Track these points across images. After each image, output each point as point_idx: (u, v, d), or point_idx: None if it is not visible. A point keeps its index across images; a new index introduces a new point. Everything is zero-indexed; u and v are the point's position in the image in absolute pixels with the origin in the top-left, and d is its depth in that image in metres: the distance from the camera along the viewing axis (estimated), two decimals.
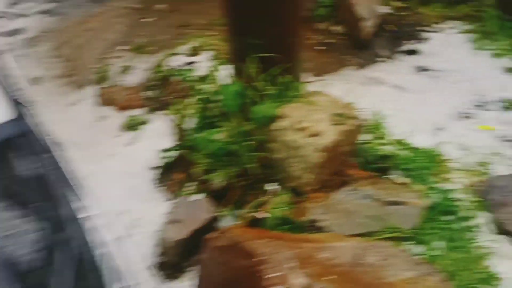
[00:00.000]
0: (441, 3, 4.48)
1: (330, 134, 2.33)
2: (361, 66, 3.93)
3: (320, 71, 3.78)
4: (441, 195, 2.47)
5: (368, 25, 4.08)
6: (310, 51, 4.00)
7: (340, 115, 2.44)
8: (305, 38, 4.09)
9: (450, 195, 2.49)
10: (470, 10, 4.31)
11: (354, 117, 2.48)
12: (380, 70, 3.90)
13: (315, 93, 2.67)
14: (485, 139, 3.17)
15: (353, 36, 4.11)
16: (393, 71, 3.88)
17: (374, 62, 3.99)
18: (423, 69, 3.90)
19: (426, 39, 4.22)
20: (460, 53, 4.01)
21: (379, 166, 2.56)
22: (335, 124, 2.39)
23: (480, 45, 4.02)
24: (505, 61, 3.86)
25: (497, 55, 3.91)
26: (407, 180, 2.49)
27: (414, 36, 4.25)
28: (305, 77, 3.65)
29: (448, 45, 4.12)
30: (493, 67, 3.84)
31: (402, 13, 4.44)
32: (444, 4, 4.47)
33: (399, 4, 4.54)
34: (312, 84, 3.50)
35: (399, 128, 3.09)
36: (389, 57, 4.05)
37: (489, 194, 2.45)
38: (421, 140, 3.02)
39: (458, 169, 2.82)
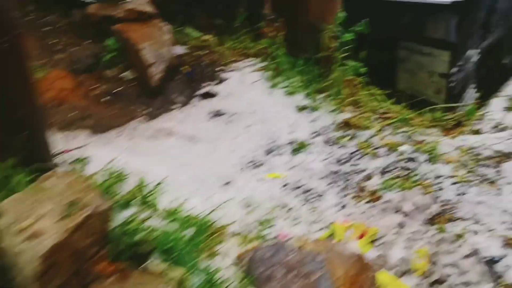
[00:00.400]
0: (239, 40, 4.40)
1: (52, 234, 1.91)
2: (152, 116, 3.61)
3: (102, 128, 3.37)
4: (205, 276, 2.20)
5: (159, 70, 3.79)
6: (93, 103, 3.58)
7: (73, 204, 2.05)
8: (90, 89, 3.67)
9: (216, 274, 2.24)
10: (265, 47, 4.26)
11: (93, 203, 2.10)
12: (172, 119, 3.62)
13: (51, 176, 2.24)
14: (272, 190, 3.03)
15: (143, 83, 3.78)
16: (186, 119, 3.63)
17: (167, 110, 3.71)
18: (218, 114, 3.71)
19: (223, 79, 4.06)
20: (255, 93, 3.91)
21: (135, 253, 2.22)
22: (64, 218, 1.99)
23: (275, 83, 3.96)
24: (297, 99, 3.84)
25: (290, 93, 3.88)
26: (164, 266, 2.18)
27: (212, 76, 4.07)
28: (80, 137, 3.22)
29: (245, 84, 4.00)
30: (286, 106, 3.79)
31: (200, 53, 4.24)
32: (241, 40, 4.39)
33: (197, 42, 4.35)
34: (86, 145, 3.09)
35: (179, 191, 2.81)
36: (184, 103, 3.80)
37: (255, 267, 2.24)
38: (202, 203, 2.77)
39: (236, 234, 2.60)
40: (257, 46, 4.29)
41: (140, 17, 4.06)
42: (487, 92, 9.91)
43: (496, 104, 5.57)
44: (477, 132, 4.31)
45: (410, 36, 8.60)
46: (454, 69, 9.01)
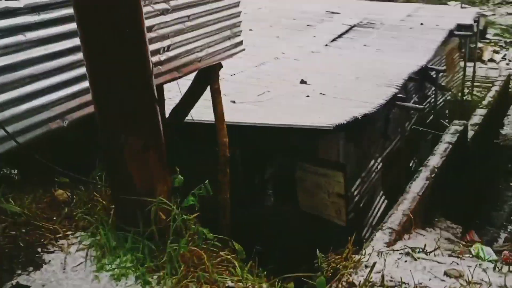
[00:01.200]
0: (69, 209, 3.82)
1: None
2: None
3: None
4: None
5: None
6: None
7: None
8: None
9: None
10: (95, 220, 3.69)
11: None
12: None
13: None
14: None
15: None
16: None
17: None
18: None
19: (41, 264, 3.38)
20: (75, 282, 3.25)
21: None
22: None
23: (101, 265, 3.34)
24: (125, 285, 3.22)
25: (118, 277, 3.26)
26: None
27: (28, 262, 3.38)
28: None
29: (66, 269, 3.34)
30: None
31: (18, 231, 3.59)
32: (72, 210, 3.82)
33: (18, 217, 3.71)
34: None
35: None
36: None
37: None
38: None
39: None
40: (88, 216, 3.72)
41: None
42: (395, 197, 9.65)
43: (378, 240, 5.26)
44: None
45: (304, 158, 8.48)
46: (354, 187, 8.84)
